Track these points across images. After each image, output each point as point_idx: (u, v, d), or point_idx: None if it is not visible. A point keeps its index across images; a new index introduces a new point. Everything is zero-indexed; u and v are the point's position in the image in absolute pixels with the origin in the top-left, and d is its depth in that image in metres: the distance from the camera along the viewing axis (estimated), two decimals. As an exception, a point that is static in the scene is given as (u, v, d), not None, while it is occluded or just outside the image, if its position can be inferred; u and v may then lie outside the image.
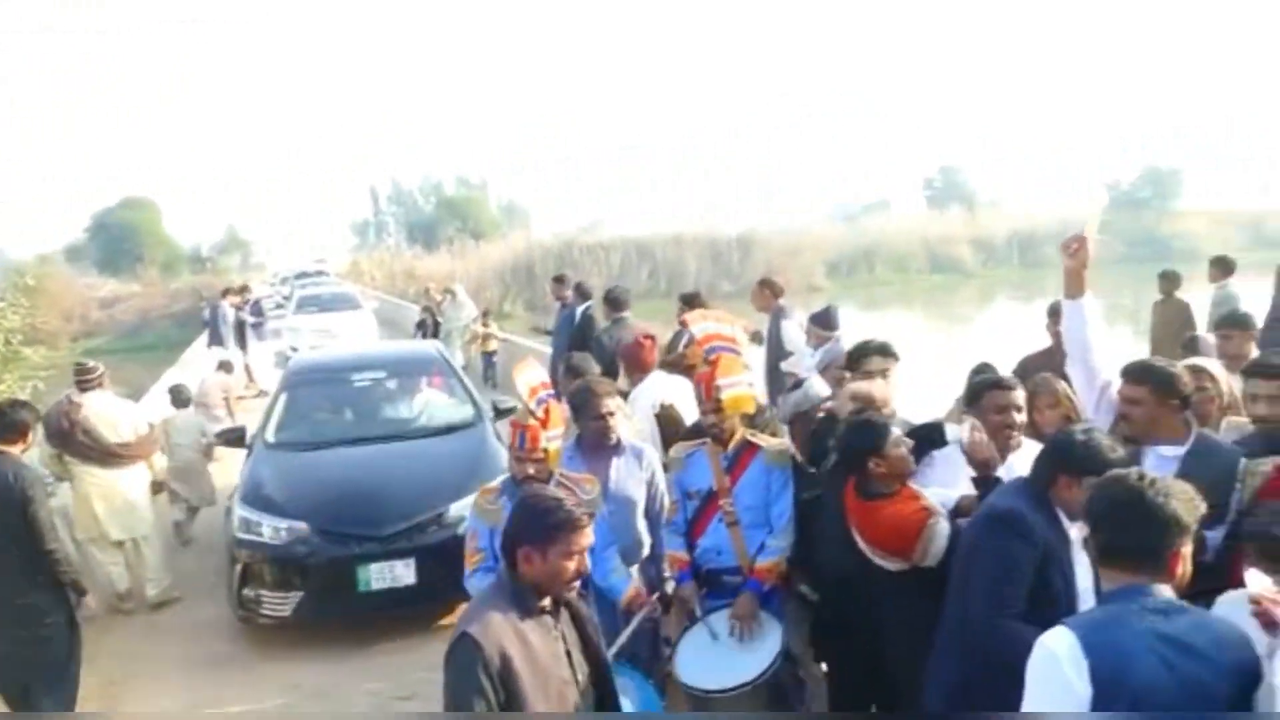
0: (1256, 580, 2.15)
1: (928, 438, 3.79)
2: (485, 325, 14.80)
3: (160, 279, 42.65)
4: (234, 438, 6.78)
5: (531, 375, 3.81)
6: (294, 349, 17.04)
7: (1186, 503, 2.10)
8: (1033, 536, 2.85)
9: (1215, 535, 3.27)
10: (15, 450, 4.47)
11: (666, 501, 4.21)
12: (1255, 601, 2.28)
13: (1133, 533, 2.10)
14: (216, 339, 14.94)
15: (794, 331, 6.67)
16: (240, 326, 15.52)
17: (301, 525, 5.61)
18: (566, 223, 49.62)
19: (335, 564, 5.54)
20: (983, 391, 3.71)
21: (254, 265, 54.16)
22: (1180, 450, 3.43)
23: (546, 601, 2.53)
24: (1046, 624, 2.67)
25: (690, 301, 7.14)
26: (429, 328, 15.00)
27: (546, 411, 3.69)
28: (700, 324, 4.19)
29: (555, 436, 3.71)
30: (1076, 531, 2.86)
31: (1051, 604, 2.79)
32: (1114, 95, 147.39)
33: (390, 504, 5.71)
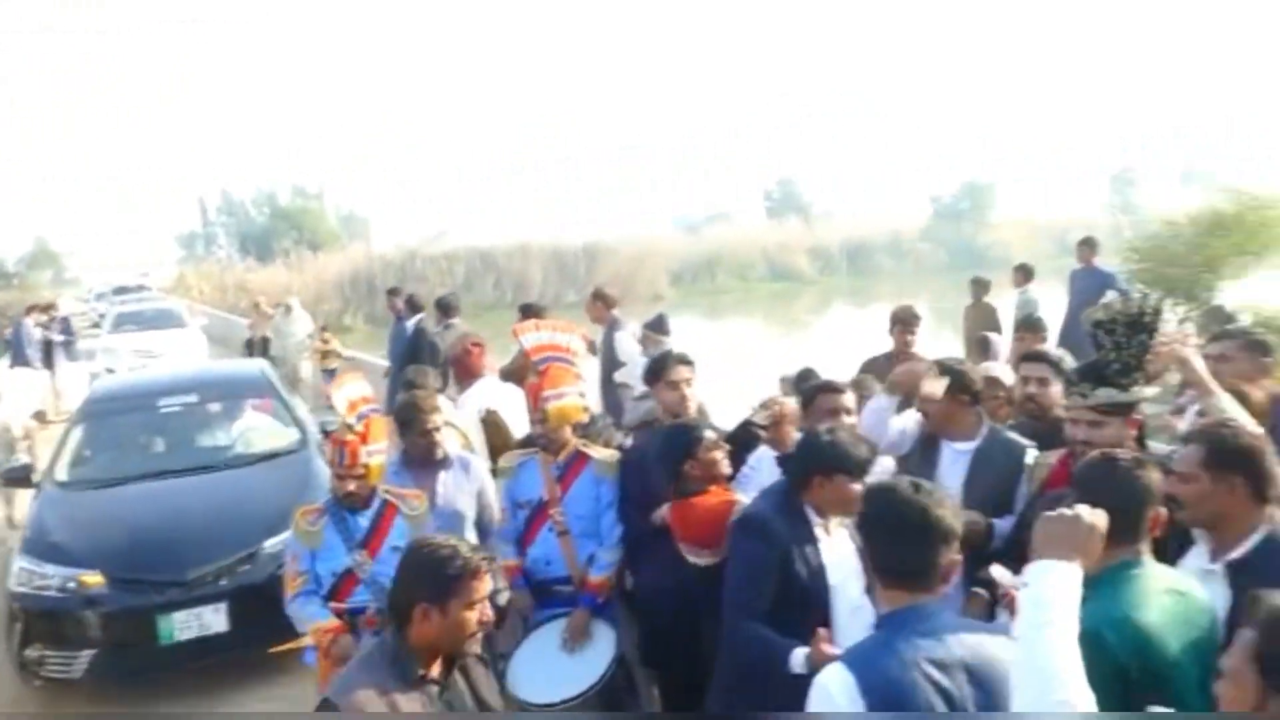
0: (999, 573, 2.29)
1: (744, 439, 3.95)
2: (325, 341, 14.11)
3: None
4: (17, 476, 6.15)
5: (351, 390, 3.72)
6: (110, 370, 15.77)
7: (952, 509, 2.20)
8: (772, 538, 2.95)
9: (1005, 524, 3.53)
10: None
11: (496, 513, 4.19)
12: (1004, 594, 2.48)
13: (906, 547, 2.15)
14: (20, 359, 13.88)
15: (627, 342, 6.78)
16: (47, 346, 14.54)
17: (93, 574, 5.10)
18: (409, 233, 48.53)
19: (132, 615, 5.08)
20: (814, 395, 3.88)
21: (68, 280, 50.56)
22: (973, 445, 3.70)
23: (435, 668, 2.37)
24: (797, 622, 2.82)
25: (527, 312, 7.15)
26: (257, 345, 14.15)
27: (367, 426, 3.61)
28: (531, 334, 4.20)
29: (377, 451, 3.63)
30: (823, 530, 3.02)
31: (801, 604, 2.91)
32: (936, 110, 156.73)
33: (196, 544, 5.26)
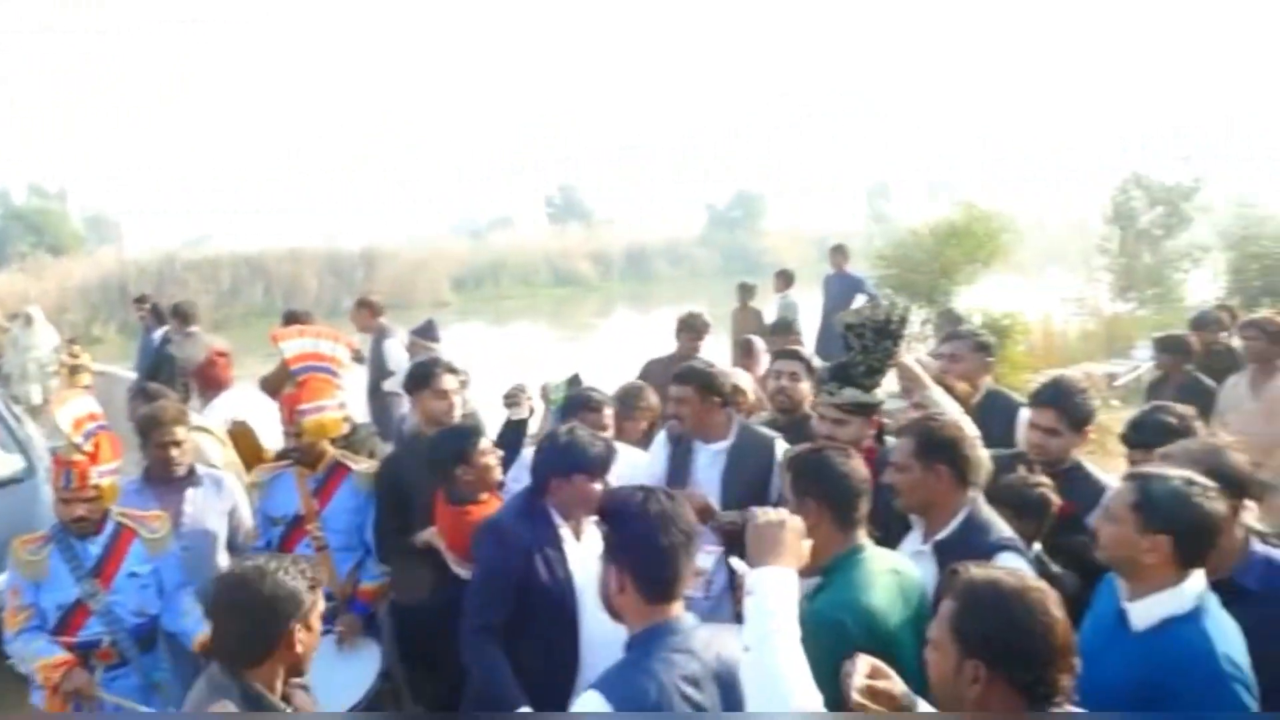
0: (738, 565, 2.44)
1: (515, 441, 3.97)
2: (74, 355, 12.60)
3: None
4: None
5: (76, 407, 3.45)
6: None
7: (691, 518, 2.24)
8: (510, 544, 2.98)
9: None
10: None
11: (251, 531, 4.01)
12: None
13: (654, 561, 2.13)
14: None
15: (397, 350, 6.64)
16: None
17: None
18: (167, 237, 45.11)
19: None
20: (575, 410, 3.95)
21: None
22: (726, 444, 3.89)
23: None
24: (542, 629, 2.89)
25: (291, 319, 6.87)
26: None
27: (96, 445, 3.36)
28: (293, 342, 4.03)
29: (108, 472, 3.40)
30: (570, 533, 3.09)
31: (545, 610, 2.94)
32: (709, 120, 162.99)
33: None
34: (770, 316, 10.75)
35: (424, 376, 4.15)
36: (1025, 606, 1.86)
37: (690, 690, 2.05)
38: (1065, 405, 3.57)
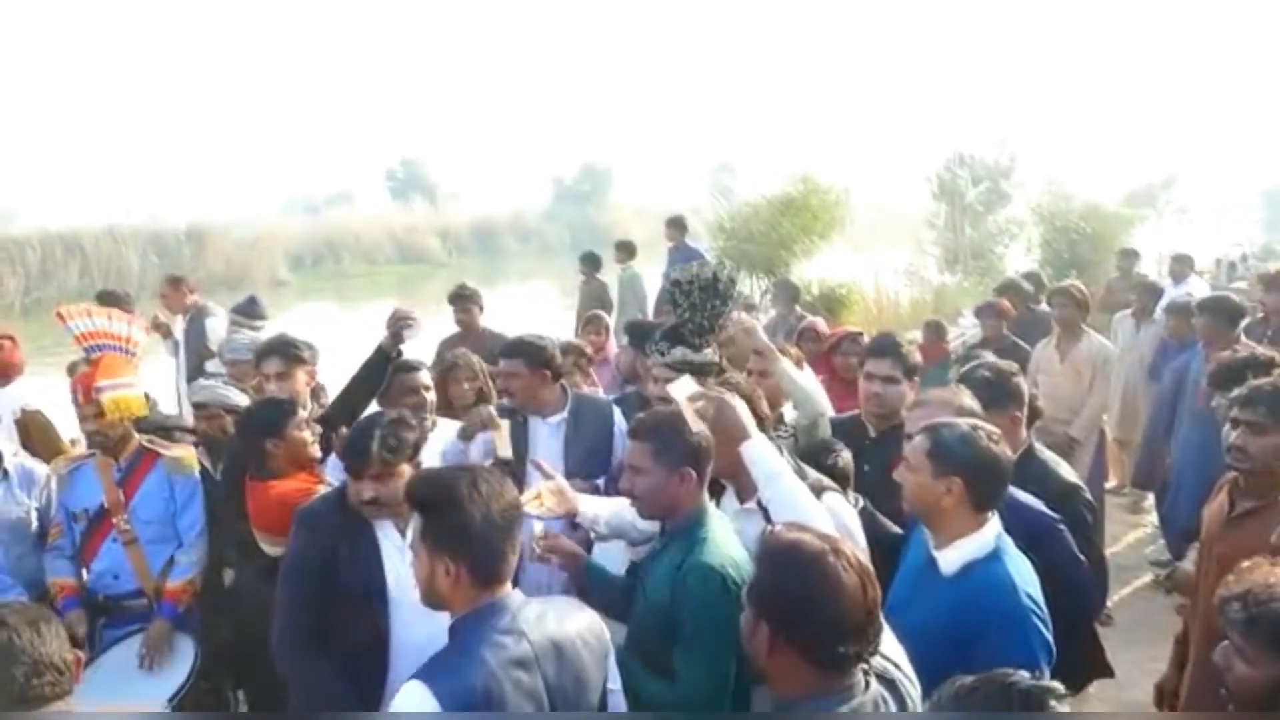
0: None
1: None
2: None
3: None
4: None
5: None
6: None
7: (512, 495, 2.13)
8: (319, 533, 2.82)
9: (602, 483, 3.72)
10: None
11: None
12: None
13: (476, 544, 2.02)
14: None
15: (217, 329, 6.30)
16: None
17: None
18: (-34, 214, 41.36)
19: None
20: (392, 377, 3.79)
21: None
22: (563, 415, 3.86)
23: None
24: (348, 625, 2.78)
25: (106, 300, 6.39)
26: None
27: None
28: (81, 320, 3.72)
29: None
30: (389, 524, 2.88)
31: (350, 606, 2.78)
32: (556, 92, 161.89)
33: None
34: (614, 290, 10.78)
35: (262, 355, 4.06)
36: (818, 572, 1.80)
37: (520, 674, 1.96)
38: (899, 354, 3.73)
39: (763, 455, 2.54)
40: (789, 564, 1.84)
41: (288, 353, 3.97)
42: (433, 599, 2.08)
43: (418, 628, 2.66)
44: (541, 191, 53.43)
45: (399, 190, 51.32)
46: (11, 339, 4.95)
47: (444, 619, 2.17)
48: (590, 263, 11.04)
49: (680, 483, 2.49)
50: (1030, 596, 2.39)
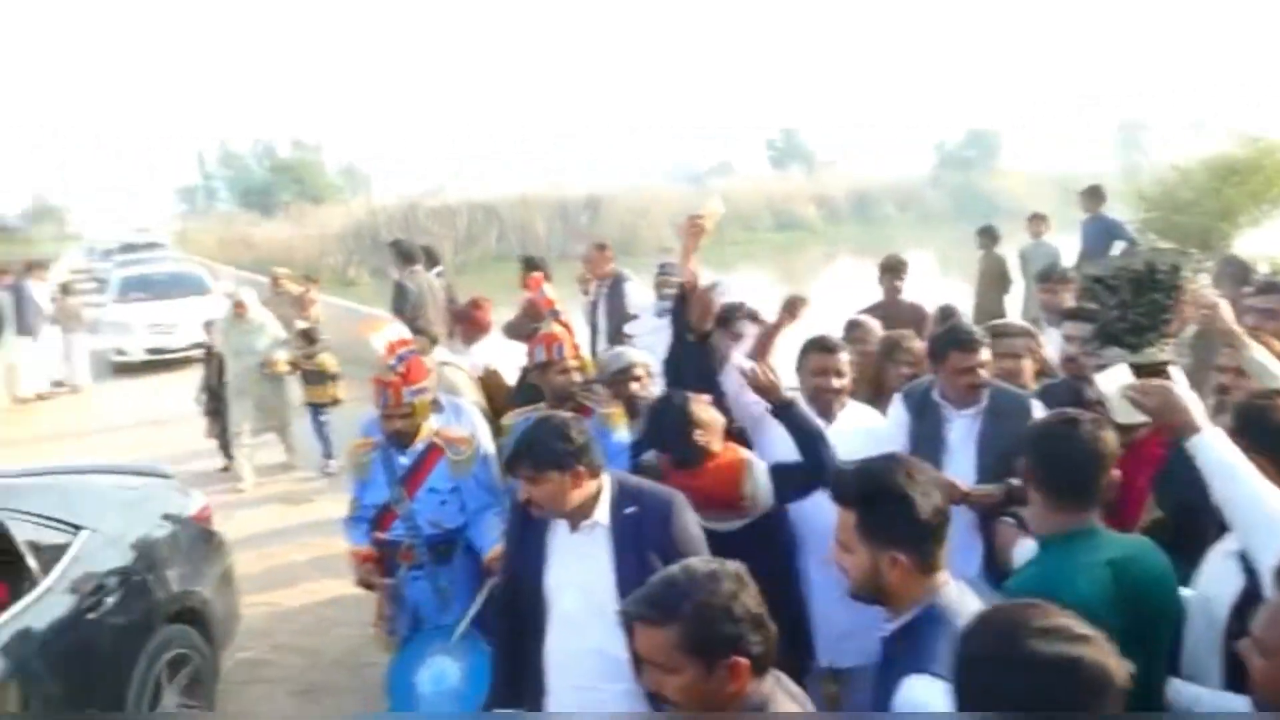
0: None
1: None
2: (308, 288, 10.82)
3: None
4: None
5: (389, 333, 3.82)
6: (121, 353, 13.97)
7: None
8: (511, 521, 2.96)
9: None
10: None
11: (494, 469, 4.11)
12: None
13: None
14: (25, 327, 12.33)
15: (635, 293, 6.67)
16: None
17: None
18: (410, 186, 48.11)
19: None
20: (806, 352, 3.75)
21: (70, 235, 50.23)
22: (979, 408, 3.55)
23: None
24: (520, 623, 2.83)
25: (531, 265, 7.04)
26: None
27: (408, 367, 3.70)
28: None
29: (418, 390, 3.72)
30: (565, 526, 2.77)
31: (515, 603, 2.86)
32: (939, 57, 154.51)
33: None
34: (1014, 263, 10.05)
35: (723, 320, 4.09)
36: None
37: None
38: None
39: (1216, 449, 2.20)
40: None
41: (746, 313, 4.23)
42: (872, 593, 2.03)
43: (571, 634, 2.67)
44: (923, 158, 51.45)
45: (778, 159, 52.04)
46: (483, 302, 5.57)
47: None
48: (988, 235, 10.37)
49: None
50: None
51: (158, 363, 13.42)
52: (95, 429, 10.58)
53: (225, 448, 8.47)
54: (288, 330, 8.61)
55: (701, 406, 3.29)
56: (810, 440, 3.23)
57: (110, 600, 3.74)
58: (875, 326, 4.74)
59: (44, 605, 3.48)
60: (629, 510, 2.69)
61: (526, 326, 6.44)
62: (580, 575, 2.68)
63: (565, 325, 3.96)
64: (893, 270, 6.26)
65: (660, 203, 41.79)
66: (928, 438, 3.54)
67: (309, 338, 8.46)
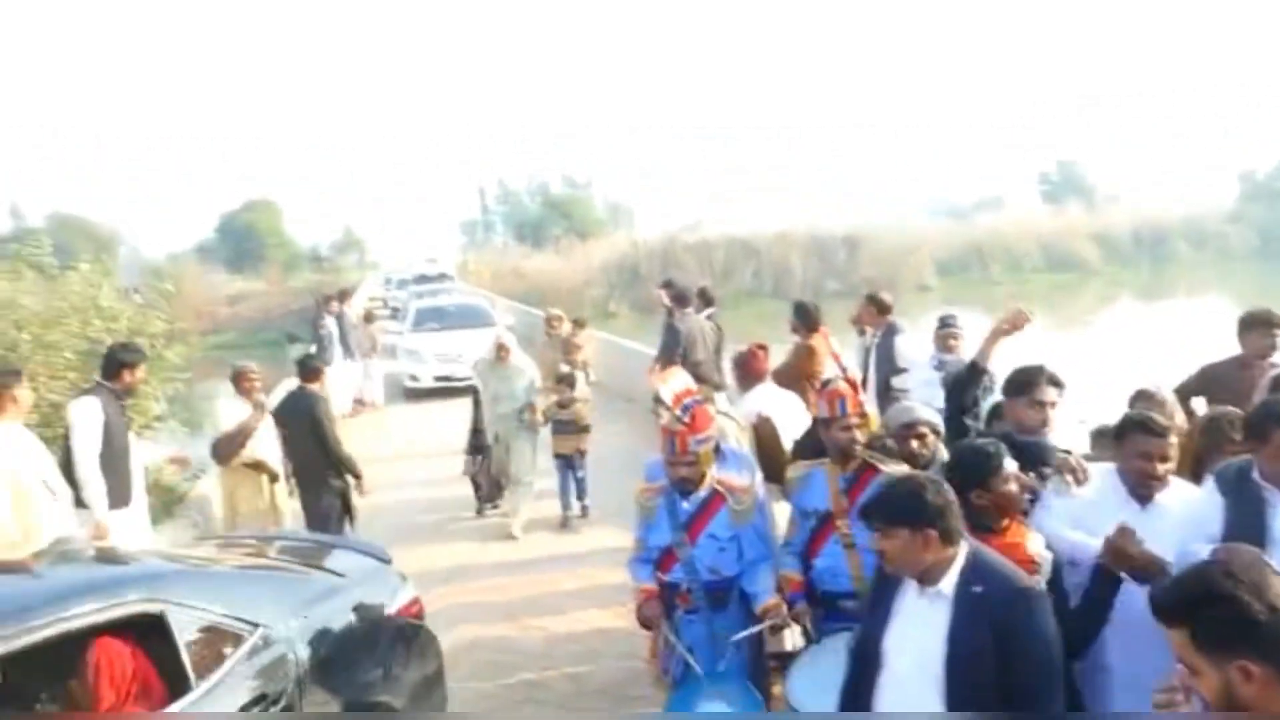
0: None
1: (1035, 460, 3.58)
2: (576, 330, 11.33)
3: (281, 277, 44.55)
4: None
5: (675, 383, 3.99)
6: (414, 378, 15.17)
7: None
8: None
9: None
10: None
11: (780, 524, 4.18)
12: None
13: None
14: (347, 351, 13.85)
15: (908, 347, 6.51)
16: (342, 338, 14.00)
17: None
18: (669, 221, 49.58)
19: None
20: (1126, 432, 3.47)
21: (369, 264, 55.84)
22: None
23: None
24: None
25: (804, 313, 6.89)
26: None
27: (693, 416, 3.82)
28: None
29: (705, 440, 3.85)
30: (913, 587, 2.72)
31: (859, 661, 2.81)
32: (1242, 80, 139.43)
33: None
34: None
35: (1024, 384, 3.91)
36: None
37: None
38: None
39: None
40: None
41: (1053, 379, 3.93)
42: (1233, 707, 1.86)
43: (898, 695, 2.64)
44: (1224, 189, 46.63)
45: (1052, 194, 48.97)
46: (764, 348, 5.66)
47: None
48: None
49: None
50: None
51: (444, 390, 14.37)
52: (392, 449, 11.59)
53: (478, 490, 8.38)
54: (553, 371, 8.73)
55: (1005, 476, 3.18)
56: (1098, 611, 3.02)
57: (275, 708, 3.30)
58: (1169, 400, 4.33)
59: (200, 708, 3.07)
60: (976, 589, 2.62)
61: (797, 374, 6.48)
62: (917, 639, 2.65)
63: (851, 382, 3.94)
64: (1266, 324, 4.95)
65: (921, 240, 40.56)
66: (1247, 525, 3.15)
67: (568, 383, 8.12)
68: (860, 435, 3.78)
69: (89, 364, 5.77)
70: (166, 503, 6.51)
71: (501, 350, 8.07)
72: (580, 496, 8.13)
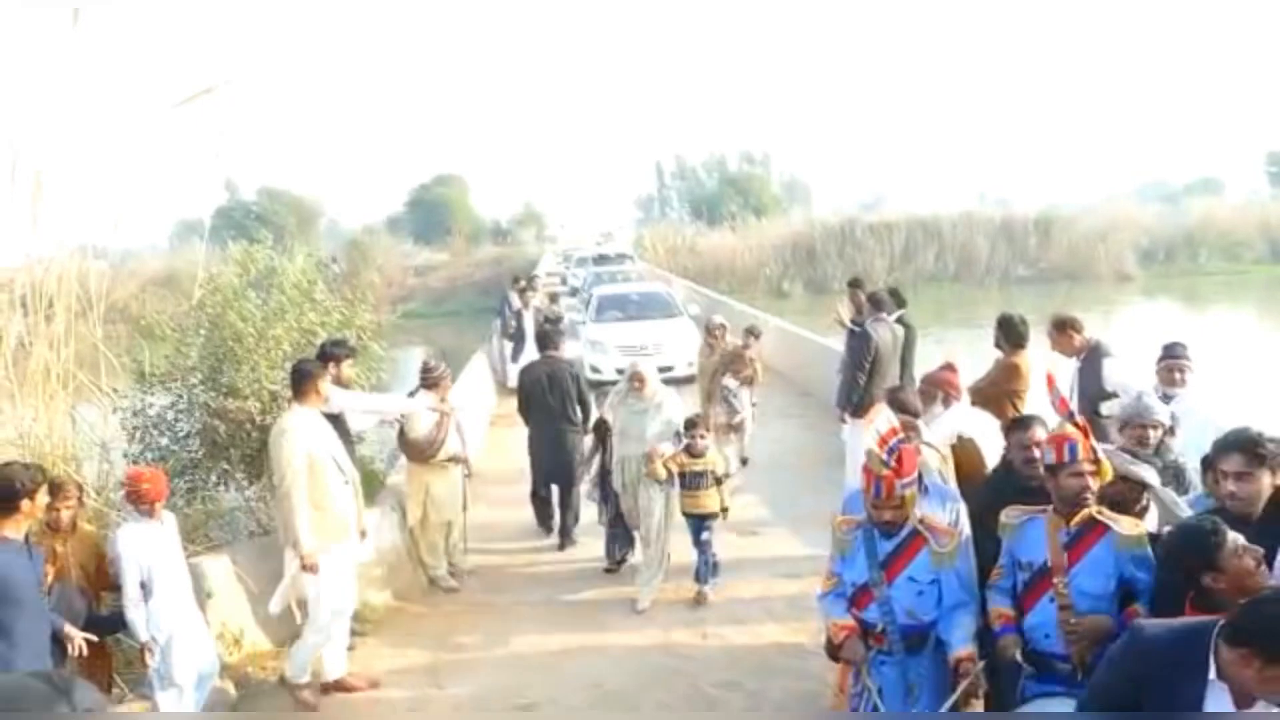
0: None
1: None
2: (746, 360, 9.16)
3: (466, 249, 46.40)
4: None
5: (881, 423, 3.83)
6: (595, 370, 13.98)
7: None
8: None
9: None
10: None
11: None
12: None
13: None
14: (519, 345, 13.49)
15: (1116, 371, 5.92)
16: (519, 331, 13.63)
17: None
18: (848, 199, 48.35)
19: None
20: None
21: (547, 238, 57.31)
22: None
23: None
24: None
25: (1008, 327, 6.44)
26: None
27: (899, 460, 3.67)
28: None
29: (910, 483, 3.70)
30: None
31: None
32: None
33: None
34: None
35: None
36: None
37: None
38: None
39: None
40: None
41: (1251, 450, 3.40)
42: None
43: None
44: None
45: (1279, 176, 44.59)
46: (955, 368, 5.37)
47: None
48: None
49: None
50: None
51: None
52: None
53: (613, 541, 7.04)
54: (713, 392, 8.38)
55: (1235, 551, 2.90)
56: None
57: None
58: None
59: None
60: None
61: (998, 394, 6.11)
62: None
63: (1080, 427, 3.64)
64: None
65: (1123, 225, 37.79)
66: None
67: (700, 427, 6.49)
68: (1093, 483, 3.50)
69: (305, 355, 6.14)
70: (370, 490, 6.88)
71: (636, 380, 6.57)
72: (707, 577, 6.46)
